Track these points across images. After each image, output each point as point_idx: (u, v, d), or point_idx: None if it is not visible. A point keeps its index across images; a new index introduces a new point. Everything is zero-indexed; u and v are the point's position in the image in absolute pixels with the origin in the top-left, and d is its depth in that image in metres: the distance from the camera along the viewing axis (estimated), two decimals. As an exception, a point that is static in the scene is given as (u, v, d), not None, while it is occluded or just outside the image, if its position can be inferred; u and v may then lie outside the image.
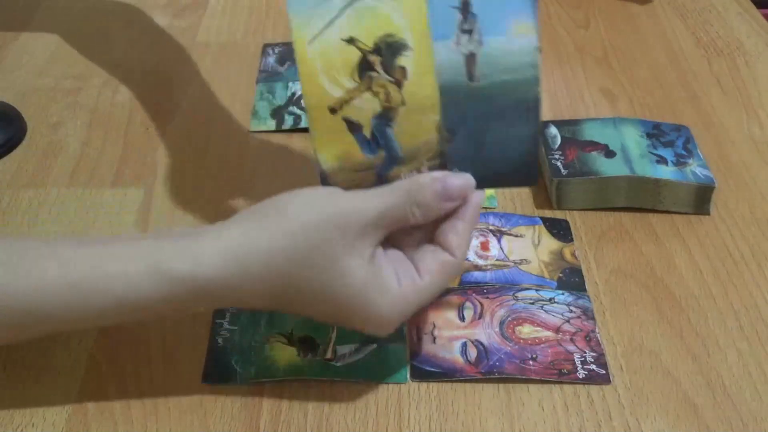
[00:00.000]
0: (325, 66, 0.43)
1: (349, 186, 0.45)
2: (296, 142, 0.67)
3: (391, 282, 0.43)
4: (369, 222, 0.42)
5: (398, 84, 0.44)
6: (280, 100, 0.71)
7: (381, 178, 0.46)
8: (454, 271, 0.45)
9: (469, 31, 0.43)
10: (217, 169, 0.64)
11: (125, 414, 0.46)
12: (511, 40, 0.43)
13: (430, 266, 0.44)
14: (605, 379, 0.49)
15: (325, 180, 0.46)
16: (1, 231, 0.57)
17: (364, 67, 0.44)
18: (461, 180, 0.45)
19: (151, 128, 0.68)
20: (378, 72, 0.44)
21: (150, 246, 0.42)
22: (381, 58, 0.43)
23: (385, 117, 0.44)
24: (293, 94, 0.71)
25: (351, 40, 0.43)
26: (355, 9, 0.43)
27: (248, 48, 0.78)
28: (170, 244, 0.42)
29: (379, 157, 0.45)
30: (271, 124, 0.68)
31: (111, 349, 0.50)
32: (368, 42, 0.43)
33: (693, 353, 0.51)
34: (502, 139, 0.46)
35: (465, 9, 0.43)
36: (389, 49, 0.43)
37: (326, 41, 0.43)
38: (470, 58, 0.44)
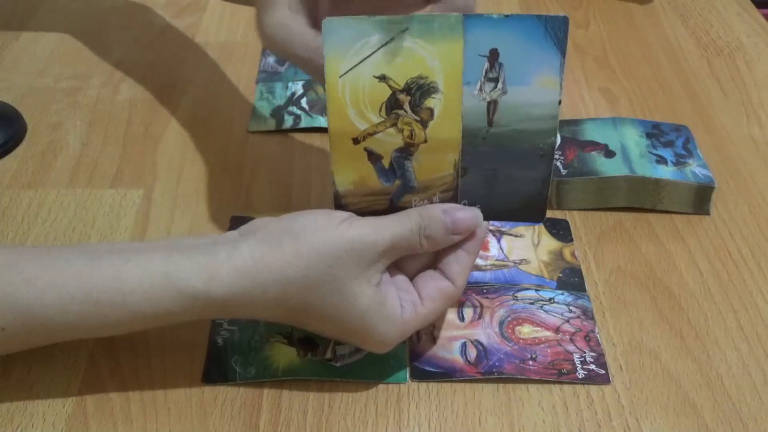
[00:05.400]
0: (354, 99, 0.44)
1: (361, 207, 0.47)
2: (296, 142, 0.67)
3: (395, 310, 0.45)
4: (380, 253, 0.44)
5: (423, 124, 0.45)
6: (280, 100, 0.71)
7: (393, 203, 0.47)
8: (454, 299, 0.47)
9: (495, 80, 0.44)
10: (217, 169, 0.64)
11: (125, 414, 0.46)
12: (534, 91, 0.45)
13: (432, 293, 0.46)
14: (605, 379, 0.49)
15: (338, 200, 0.47)
16: (1, 231, 0.57)
17: (391, 105, 0.45)
18: (470, 215, 0.46)
19: (151, 128, 0.68)
20: (405, 111, 0.45)
21: (165, 260, 0.43)
22: (410, 98, 0.44)
23: (406, 151, 0.46)
24: (293, 94, 0.71)
25: (383, 78, 0.44)
26: (391, 48, 0.43)
27: (248, 48, 0.78)
28: (185, 260, 0.43)
29: (395, 185, 0.47)
30: (271, 124, 0.68)
31: (111, 349, 0.50)
32: (399, 81, 0.44)
33: (693, 353, 0.51)
34: (514, 180, 0.47)
35: (493, 58, 0.44)
36: (420, 90, 0.44)
37: (358, 76, 0.44)
38: (492, 105, 0.45)
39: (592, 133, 0.64)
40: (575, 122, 0.65)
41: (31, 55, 0.77)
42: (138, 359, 0.49)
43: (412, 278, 0.47)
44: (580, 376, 0.49)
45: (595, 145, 0.63)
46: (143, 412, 0.46)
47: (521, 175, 0.47)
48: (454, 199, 0.47)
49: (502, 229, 0.59)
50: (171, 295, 0.43)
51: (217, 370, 0.49)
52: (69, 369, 0.48)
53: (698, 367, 0.50)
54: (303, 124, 0.68)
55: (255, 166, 0.64)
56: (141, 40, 0.79)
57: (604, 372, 0.49)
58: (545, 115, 0.45)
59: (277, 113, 0.69)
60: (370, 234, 0.44)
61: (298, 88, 0.72)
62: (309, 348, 0.50)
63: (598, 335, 0.51)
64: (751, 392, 0.49)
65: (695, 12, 0.87)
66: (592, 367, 0.49)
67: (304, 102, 0.70)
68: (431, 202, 0.47)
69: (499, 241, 0.58)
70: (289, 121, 0.68)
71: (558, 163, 0.61)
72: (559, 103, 0.45)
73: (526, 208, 0.48)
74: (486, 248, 0.57)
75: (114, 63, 0.75)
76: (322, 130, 0.67)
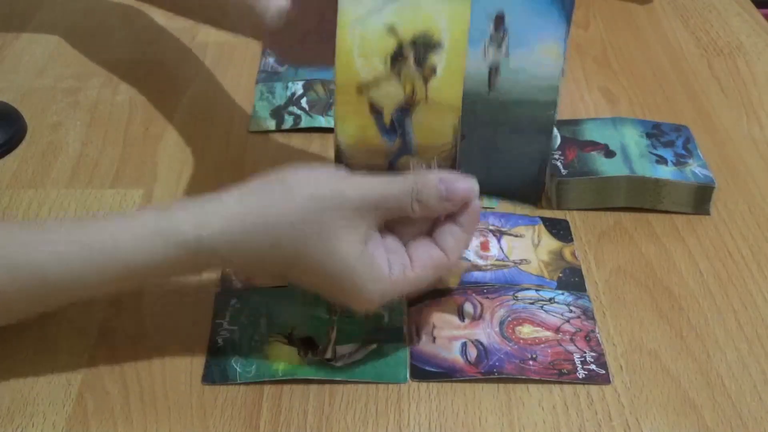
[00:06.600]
0: (362, 48, 0.44)
1: (360, 169, 0.47)
2: (296, 142, 0.67)
3: (382, 268, 0.45)
4: (367, 203, 0.44)
5: (425, 80, 0.45)
6: (280, 100, 0.71)
7: (392, 166, 0.47)
8: (445, 271, 0.47)
9: (498, 44, 0.44)
10: (216, 169, 0.64)
11: (125, 414, 0.46)
12: (537, 60, 0.44)
13: (424, 260, 0.46)
14: (605, 379, 0.49)
15: (339, 156, 0.47)
16: (1, 231, 0.58)
17: (397, 57, 0.45)
18: (466, 185, 0.46)
19: (151, 128, 0.68)
20: (409, 65, 0.45)
21: (158, 213, 0.44)
22: (414, 52, 0.44)
23: (407, 110, 0.45)
24: (293, 94, 0.71)
25: (391, 29, 0.44)
26: (402, 2, 0.44)
27: (248, 48, 0.78)
28: (178, 210, 0.44)
29: (396, 144, 0.46)
30: (271, 124, 0.68)
31: (111, 349, 0.50)
32: (406, 35, 0.44)
33: (693, 353, 0.51)
34: (512, 153, 0.47)
35: (498, 22, 0.44)
36: (425, 45, 0.44)
37: (368, 25, 0.44)
38: (494, 70, 0.45)
39: (592, 133, 0.64)
40: (575, 122, 0.65)
41: (31, 55, 0.77)
42: (138, 359, 0.49)
43: (406, 245, 0.47)
44: (580, 376, 0.49)
45: (595, 145, 0.63)
46: (143, 412, 0.46)
47: (519, 149, 0.46)
48: (452, 169, 0.47)
49: (503, 229, 0.59)
50: (162, 242, 0.43)
51: (217, 370, 0.49)
52: (69, 369, 0.48)
53: (698, 367, 0.50)
54: (303, 124, 0.68)
55: (255, 166, 0.64)
56: (141, 40, 0.79)
57: (604, 372, 0.49)
58: (546, 85, 0.45)
59: (277, 113, 0.69)
60: (361, 186, 0.44)
61: (298, 88, 0.72)
62: (309, 348, 0.50)
63: (598, 335, 0.51)
64: (751, 392, 0.49)
65: (695, 12, 0.88)
66: (593, 367, 0.49)
67: (304, 102, 0.70)
68: (429, 167, 0.47)
69: (499, 241, 0.58)
70: (289, 121, 0.68)
71: (558, 163, 0.61)
72: (563, 73, 0.44)
73: (522, 189, 0.48)
74: (486, 248, 0.57)
75: (114, 63, 0.75)
76: (322, 130, 0.67)
